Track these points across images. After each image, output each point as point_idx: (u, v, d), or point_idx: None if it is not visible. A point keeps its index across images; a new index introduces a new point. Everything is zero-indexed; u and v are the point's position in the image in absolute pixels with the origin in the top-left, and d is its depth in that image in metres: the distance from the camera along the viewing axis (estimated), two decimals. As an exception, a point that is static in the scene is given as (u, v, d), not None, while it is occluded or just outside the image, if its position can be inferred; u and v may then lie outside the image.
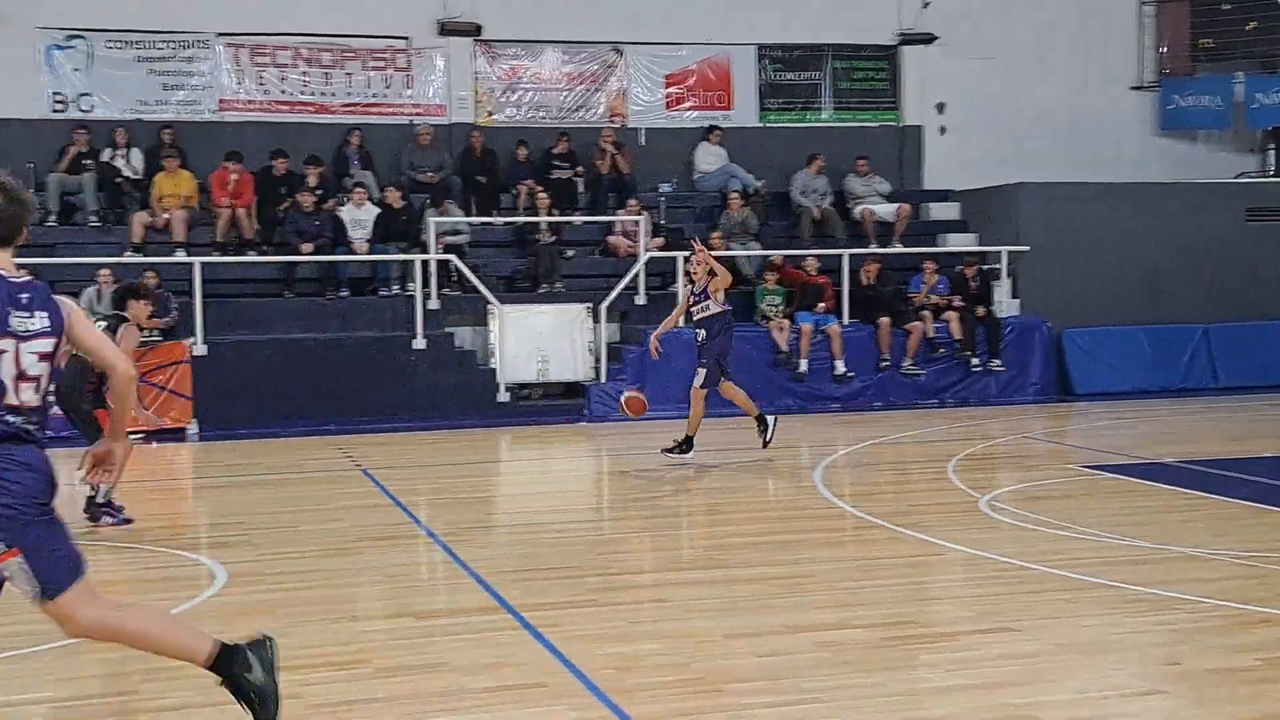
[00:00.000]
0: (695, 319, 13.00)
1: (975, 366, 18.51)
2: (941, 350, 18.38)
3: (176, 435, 15.81)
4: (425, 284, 17.57)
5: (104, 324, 10.55)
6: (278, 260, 18.08)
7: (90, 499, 10.31)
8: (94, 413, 10.20)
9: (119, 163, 18.59)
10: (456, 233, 18.70)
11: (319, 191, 18.42)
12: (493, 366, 17.55)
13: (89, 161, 18.37)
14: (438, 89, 20.80)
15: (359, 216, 18.43)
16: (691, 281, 13.22)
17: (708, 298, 12.78)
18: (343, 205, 18.59)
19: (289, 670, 6.41)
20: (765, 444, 13.05)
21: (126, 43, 19.38)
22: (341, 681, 6.28)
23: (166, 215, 17.95)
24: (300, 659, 6.61)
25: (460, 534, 9.88)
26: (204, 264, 16.79)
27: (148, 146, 18.85)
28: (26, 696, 6.11)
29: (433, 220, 18.17)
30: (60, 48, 19.15)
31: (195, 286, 16.47)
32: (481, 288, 17.71)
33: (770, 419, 13.11)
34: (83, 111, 19.18)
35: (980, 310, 18.63)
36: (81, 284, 16.58)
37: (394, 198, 18.53)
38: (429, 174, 19.70)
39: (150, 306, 10.78)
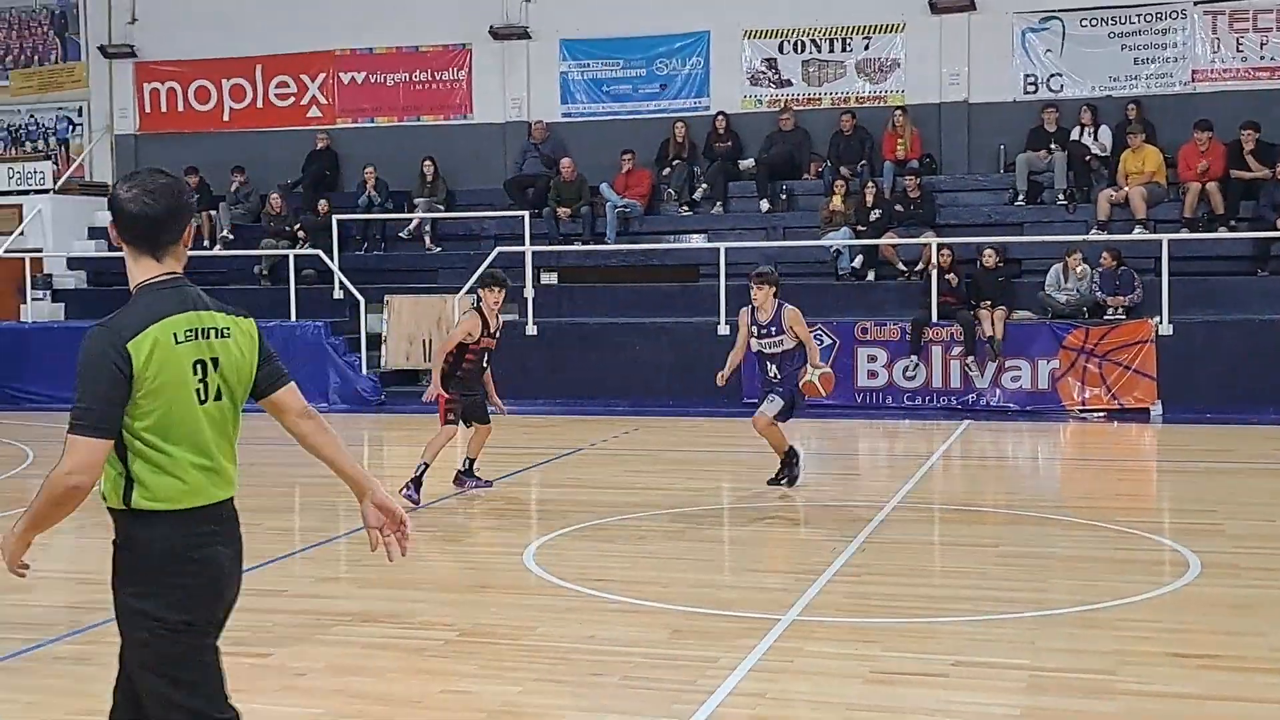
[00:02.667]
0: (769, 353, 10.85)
1: None
2: None
3: (1140, 415, 15.43)
4: None
5: (466, 313, 10.88)
6: (1250, 236, 16.95)
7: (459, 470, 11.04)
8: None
9: (1086, 140, 18.53)
10: None
11: (1301, 161, 16.97)
12: None
13: (1056, 142, 18.53)
14: None
15: (1348, 187, 16.68)
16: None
17: (782, 333, 10.78)
18: (1329, 175, 16.96)
19: (1267, 673, 5.84)
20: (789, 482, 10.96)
21: (1099, 20, 19.25)
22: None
23: (1126, 190, 17.57)
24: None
25: None
26: (1170, 241, 16.18)
27: (1115, 123, 18.59)
28: (1005, 660, 6.14)
29: None
30: (1034, 30, 19.51)
31: (1161, 264, 15.93)
32: None
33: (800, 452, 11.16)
34: (1052, 91, 19.40)
35: None
36: (1049, 261, 16.78)
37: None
38: None
39: (501, 293, 10.58)
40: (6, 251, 19.70)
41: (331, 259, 18.77)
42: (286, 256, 18.85)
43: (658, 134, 20.21)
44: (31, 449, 13.61)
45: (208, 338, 3.56)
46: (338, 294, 18.64)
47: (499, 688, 5.85)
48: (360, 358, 18.02)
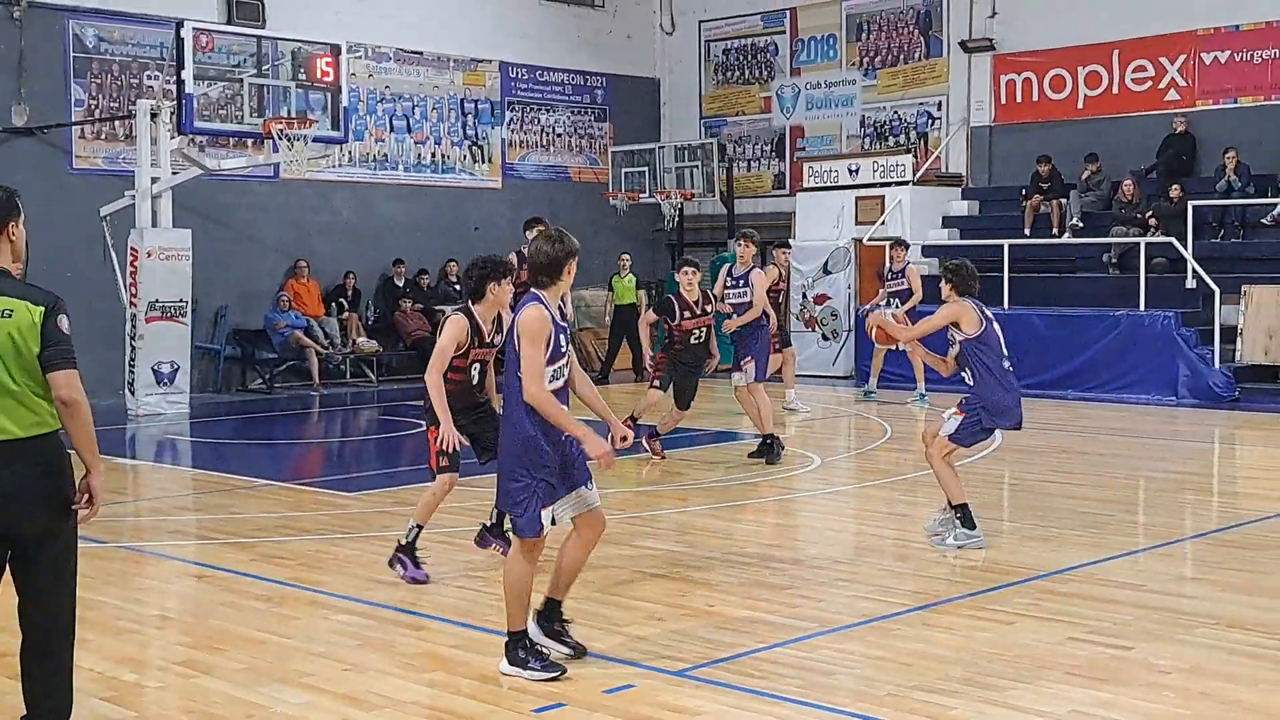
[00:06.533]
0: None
1: None
2: None
3: None
4: None
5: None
6: None
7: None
8: None
9: None
10: None
11: None
12: None
13: None
14: None
15: None
16: None
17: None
18: None
19: None
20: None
21: None
22: None
23: None
24: None
25: None
26: None
27: None
28: None
29: None
30: None
31: None
32: None
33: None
34: None
35: None
36: None
37: None
38: None
39: (509, 288, 7.67)
40: (869, 240, 21.17)
41: (1185, 247, 18.08)
42: (1137, 244, 18.45)
43: None
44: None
45: None
46: (1190, 283, 17.91)
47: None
48: (1213, 351, 17.22)
